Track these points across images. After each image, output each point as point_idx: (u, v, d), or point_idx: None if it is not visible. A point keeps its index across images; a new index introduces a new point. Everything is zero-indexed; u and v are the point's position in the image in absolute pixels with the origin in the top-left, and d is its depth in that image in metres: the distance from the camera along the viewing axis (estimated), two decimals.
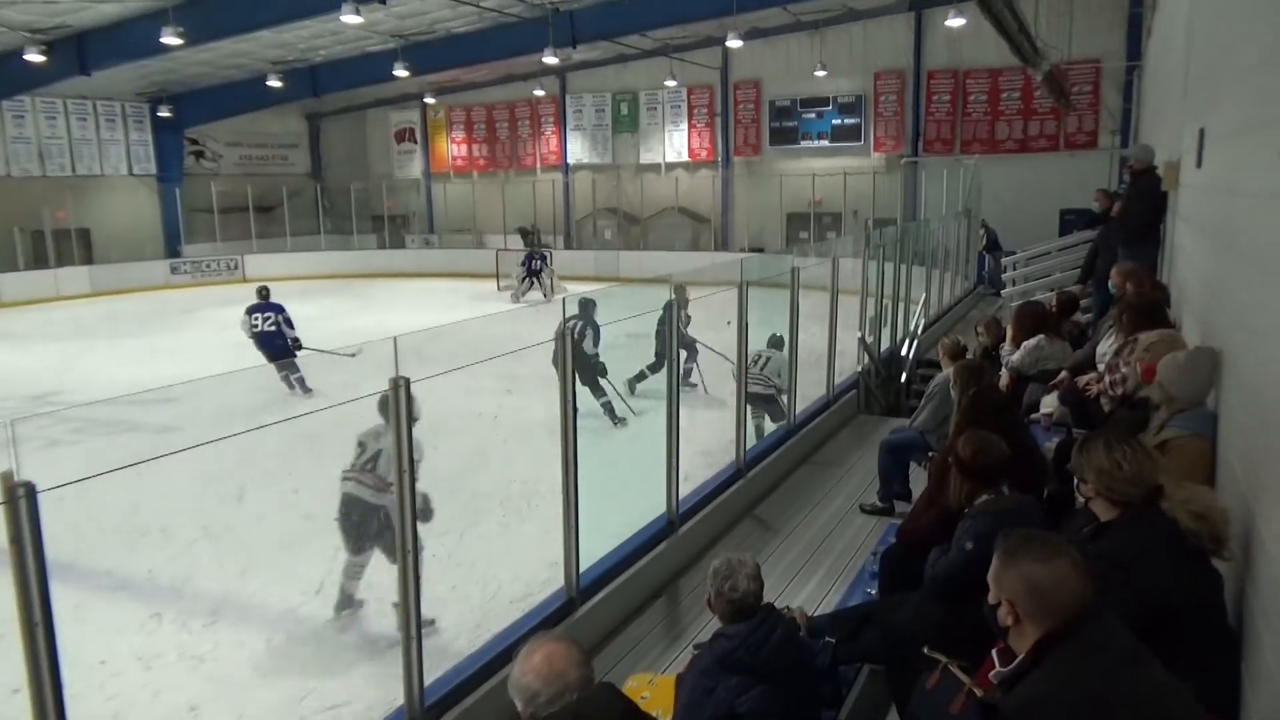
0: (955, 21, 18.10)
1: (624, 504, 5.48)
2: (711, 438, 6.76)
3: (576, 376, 8.43)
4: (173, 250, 26.92)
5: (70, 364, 14.44)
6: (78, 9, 17.61)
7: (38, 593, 2.59)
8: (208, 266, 26.22)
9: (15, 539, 2.55)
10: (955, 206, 17.36)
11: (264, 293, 12.79)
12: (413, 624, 3.76)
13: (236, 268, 26.41)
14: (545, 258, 22.23)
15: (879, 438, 7.22)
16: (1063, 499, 4.31)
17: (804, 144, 25.22)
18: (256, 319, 12.30)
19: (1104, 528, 2.69)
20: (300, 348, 12.03)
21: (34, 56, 18.42)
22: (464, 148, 30.75)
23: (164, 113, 26.92)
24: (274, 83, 24.36)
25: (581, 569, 4.70)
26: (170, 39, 16.59)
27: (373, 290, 22.45)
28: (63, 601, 2.59)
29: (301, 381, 10.87)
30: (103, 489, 2.89)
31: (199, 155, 29.02)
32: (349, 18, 15.23)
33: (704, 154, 26.91)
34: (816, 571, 5.41)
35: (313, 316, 19.02)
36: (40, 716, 2.63)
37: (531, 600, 4.59)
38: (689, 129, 27.03)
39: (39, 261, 23.79)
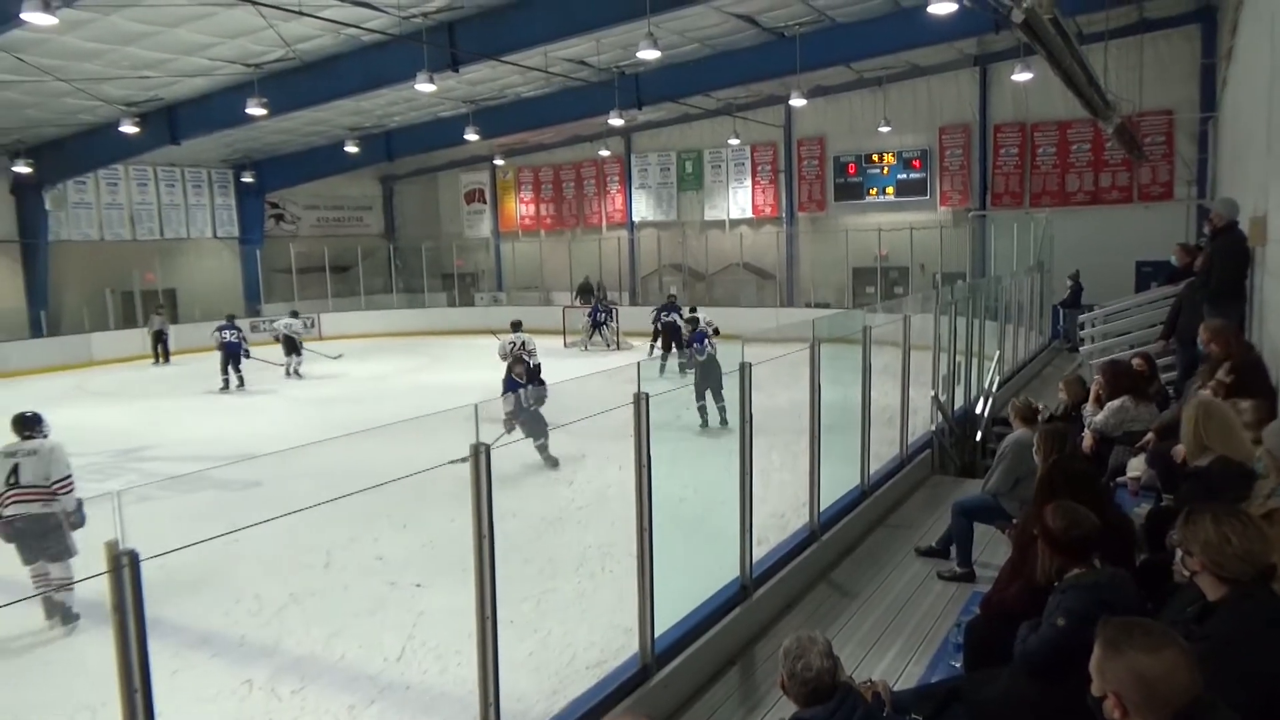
0: (1022, 76, 18.00)
1: (697, 567, 5.43)
2: (785, 500, 6.68)
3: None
4: (253, 309, 27.89)
5: (156, 419, 14.95)
6: (170, 83, 18.59)
7: (138, 659, 2.66)
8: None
9: (118, 606, 2.63)
10: (1026, 260, 17.09)
11: (230, 317, 19.21)
12: (490, 692, 3.76)
13: (313, 326, 27.20)
14: (610, 310, 22.71)
15: (954, 499, 7.06)
16: (1156, 569, 4.15)
17: (869, 199, 25.17)
18: (225, 333, 18.14)
19: (1211, 607, 2.58)
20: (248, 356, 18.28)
21: (129, 128, 19.41)
22: (531, 207, 31.41)
23: (247, 178, 28.20)
24: (351, 148, 25.33)
25: (656, 634, 4.65)
26: (255, 109, 17.40)
27: (443, 347, 22.87)
28: (160, 667, 2.65)
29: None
30: (197, 552, 2.97)
31: (279, 218, 30.22)
32: (423, 86, 15.77)
33: (768, 210, 27.03)
34: (895, 641, 5.26)
35: (386, 373, 19.49)
36: None
37: (607, 666, 4.55)
38: (753, 186, 27.21)
39: (128, 321, 24.87)
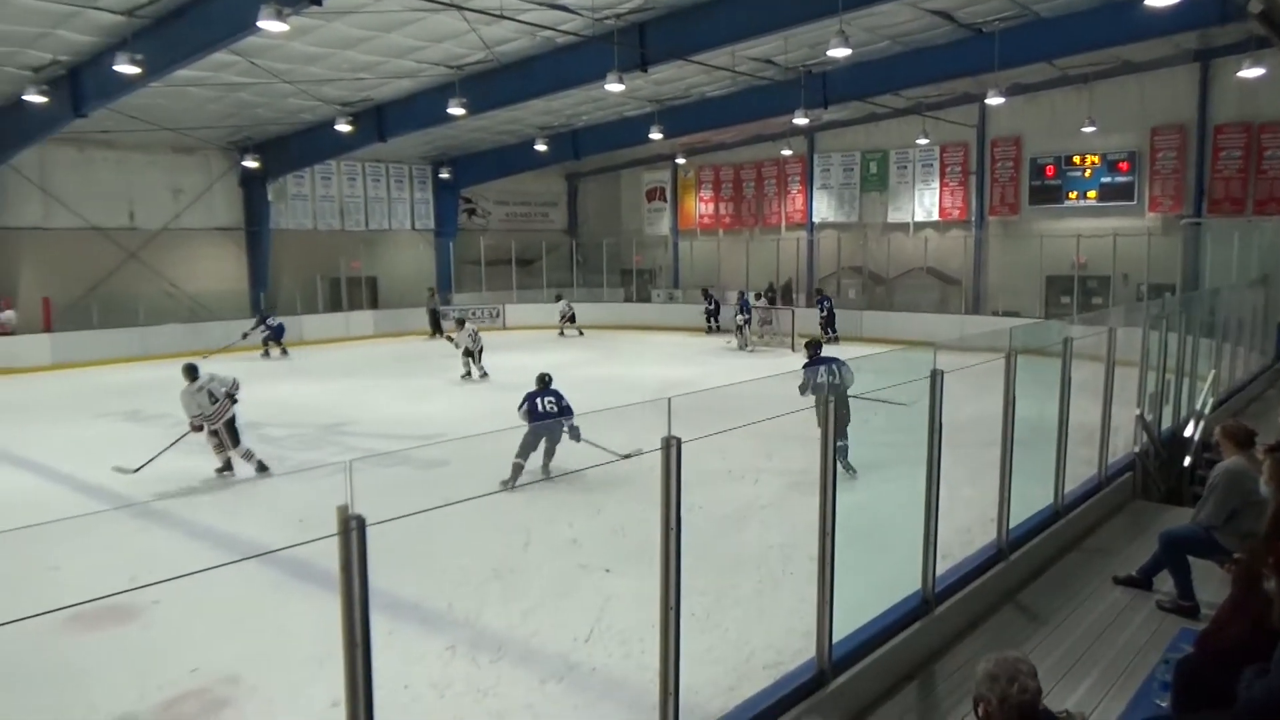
0: (1251, 72, 16.44)
1: (878, 576, 5.33)
2: (971, 515, 6.43)
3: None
4: (444, 299, 29.48)
5: (356, 398, 16.07)
6: (380, 84, 19.89)
7: (360, 617, 2.88)
8: (473, 314, 28.40)
9: (345, 566, 2.86)
10: (1248, 273, 15.66)
11: (265, 311, 23.56)
12: (670, 681, 3.83)
13: (498, 316, 28.50)
14: (748, 305, 23.41)
15: (1158, 527, 6.59)
16: None
17: (1068, 203, 23.72)
18: (271, 320, 22.74)
19: None
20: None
21: (343, 126, 20.98)
22: (711, 206, 31.54)
23: (444, 174, 29.84)
24: (540, 146, 26.30)
25: (834, 640, 4.60)
26: (455, 109, 18.36)
27: (618, 341, 23.40)
28: (376, 626, 2.86)
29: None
30: (410, 522, 3.20)
31: (471, 213, 31.81)
32: (612, 86, 16.15)
33: (956, 213, 25.98)
34: (1090, 673, 4.97)
35: (563, 364, 20.08)
36: None
37: (783, 668, 4.54)
38: (941, 187, 26.23)
39: (334, 305, 26.86)
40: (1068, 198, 23.71)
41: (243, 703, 5.07)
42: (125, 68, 13.84)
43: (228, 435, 10.54)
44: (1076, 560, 6.75)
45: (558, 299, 28.00)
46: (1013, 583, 6.13)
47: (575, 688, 4.45)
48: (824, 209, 28.66)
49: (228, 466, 10.68)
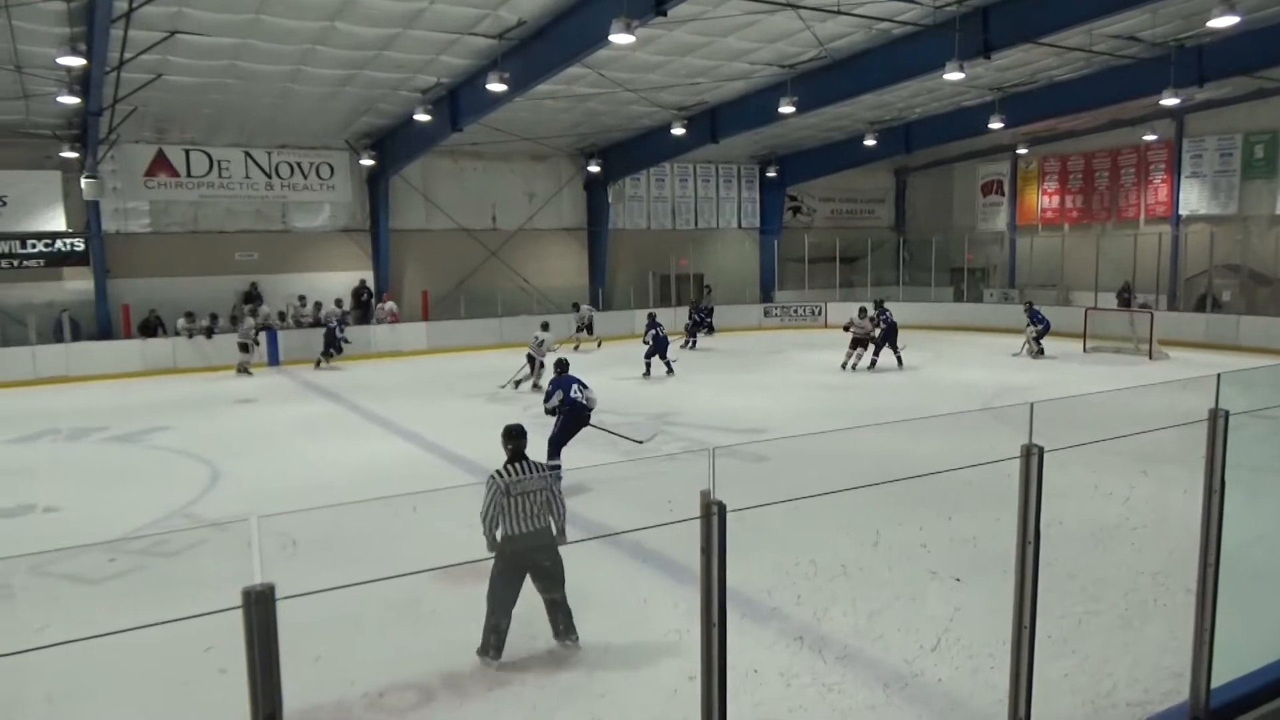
0: None
1: (1269, 620, 4.64)
2: None
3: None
4: (766, 295, 29.91)
5: (681, 389, 16.77)
6: (714, 87, 20.53)
7: (718, 598, 3.02)
8: (794, 312, 28.58)
9: (706, 549, 3.00)
10: None
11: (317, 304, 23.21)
12: (1021, 706, 3.62)
13: (819, 314, 28.38)
14: (1039, 315, 20.78)
15: None
16: None
17: None
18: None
19: None
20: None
21: (678, 130, 21.94)
22: (1055, 199, 29.13)
23: (770, 173, 30.21)
24: (869, 142, 25.76)
25: (1212, 686, 4.08)
26: (785, 108, 18.50)
27: (944, 343, 22.32)
28: (731, 610, 2.97)
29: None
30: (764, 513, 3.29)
31: (796, 210, 31.93)
32: (952, 75, 15.45)
33: None
34: None
35: (886, 365, 19.59)
36: (707, 702, 3.06)
37: (1150, 708, 4.10)
38: None
39: (664, 300, 28.20)
40: None
41: (607, 668, 5.39)
42: (495, 85, 15.48)
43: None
44: None
45: (575, 307, 25.06)
46: None
47: (918, 697, 4.32)
48: (1193, 199, 25.41)
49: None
